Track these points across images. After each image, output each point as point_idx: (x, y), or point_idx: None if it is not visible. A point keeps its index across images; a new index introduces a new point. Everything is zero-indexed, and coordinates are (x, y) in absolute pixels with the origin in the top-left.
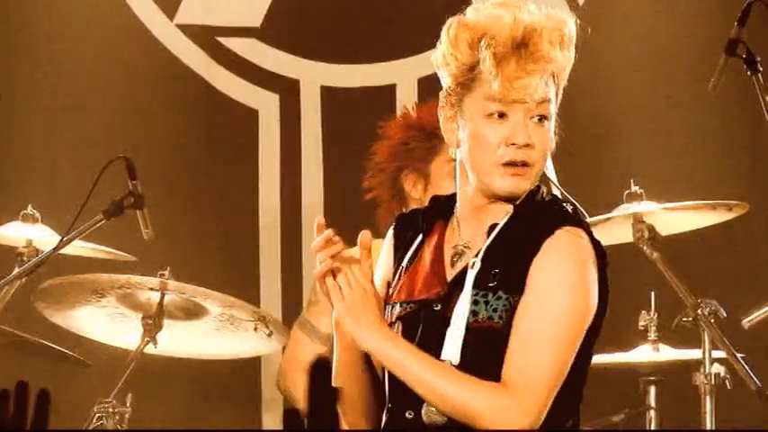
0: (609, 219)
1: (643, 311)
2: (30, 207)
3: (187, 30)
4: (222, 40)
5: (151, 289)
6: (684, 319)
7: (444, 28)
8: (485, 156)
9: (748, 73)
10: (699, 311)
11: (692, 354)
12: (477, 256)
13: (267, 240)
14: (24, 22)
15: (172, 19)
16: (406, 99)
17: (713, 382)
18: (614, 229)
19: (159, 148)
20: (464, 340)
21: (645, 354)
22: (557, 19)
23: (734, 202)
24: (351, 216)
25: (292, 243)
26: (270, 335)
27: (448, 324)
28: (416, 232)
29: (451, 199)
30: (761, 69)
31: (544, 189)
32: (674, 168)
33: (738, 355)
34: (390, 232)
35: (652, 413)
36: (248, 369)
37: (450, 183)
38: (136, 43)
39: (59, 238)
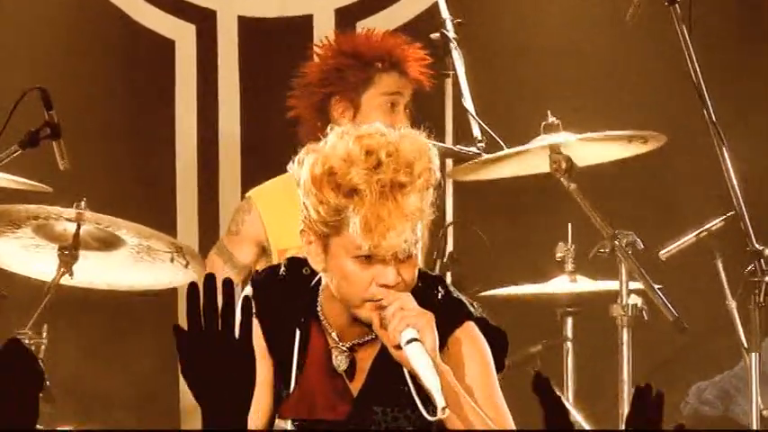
0: (526, 151)
1: (560, 243)
2: None
3: None
4: None
5: (67, 220)
6: (601, 250)
7: (308, 163)
8: (353, 292)
9: (665, 3)
10: (616, 243)
11: (610, 285)
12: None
13: (184, 171)
14: None
15: None
16: (324, 29)
17: (630, 313)
18: (531, 161)
19: (75, 79)
20: None
21: (562, 285)
22: (422, 163)
23: (650, 133)
24: (268, 145)
25: (209, 173)
26: (186, 265)
27: None
28: (288, 319)
29: (309, 284)
30: (678, 0)
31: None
32: (592, 100)
33: (655, 287)
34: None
35: (569, 344)
36: (165, 300)
37: (379, 116)
38: None
39: None
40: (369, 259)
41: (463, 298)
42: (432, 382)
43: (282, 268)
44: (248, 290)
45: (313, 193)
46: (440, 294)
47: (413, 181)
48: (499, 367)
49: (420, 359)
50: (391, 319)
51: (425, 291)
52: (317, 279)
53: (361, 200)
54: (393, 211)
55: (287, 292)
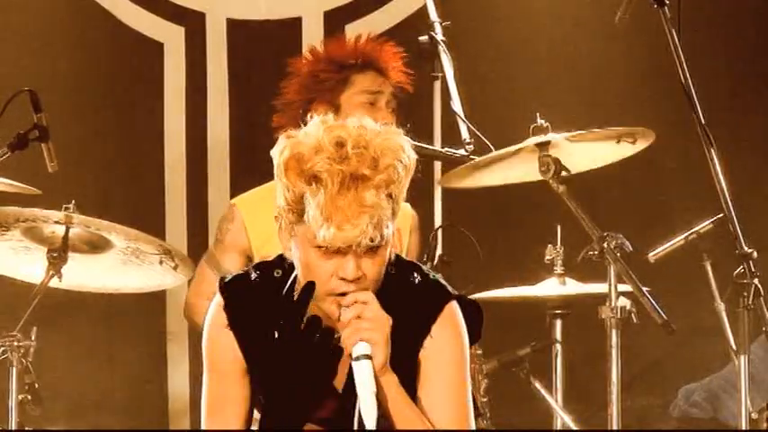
0: (515, 155)
1: (549, 245)
2: None
3: None
4: None
5: (56, 222)
6: (590, 252)
7: (280, 147)
8: (316, 284)
9: (654, 5)
10: (605, 245)
11: (598, 287)
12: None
13: (172, 174)
14: None
15: None
16: (312, 32)
17: (619, 315)
18: (521, 165)
19: (64, 81)
20: None
21: (551, 287)
22: (388, 160)
23: (637, 129)
24: (256, 148)
25: (198, 176)
26: (175, 268)
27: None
28: (266, 325)
29: (284, 286)
30: (667, 2)
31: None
32: (581, 102)
33: (644, 289)
34: (220, 309)
35: (558, 346)
36: (154, 302)
37: (360, 113)
38: None
39: None
40: (329, 250)
41: (439, 278)
42: (368, 410)
43: (253, 274)
44: (218, 300)
45: (281, 178)
46: (417, 280)
47: (375, 175)
48: (475, 338)
49: (364, 381)
50: (346, 326)
51: (401, 276)
52: (291, 279)
53: (321, 188)
54: (351, 203)
55: (262, 297)
